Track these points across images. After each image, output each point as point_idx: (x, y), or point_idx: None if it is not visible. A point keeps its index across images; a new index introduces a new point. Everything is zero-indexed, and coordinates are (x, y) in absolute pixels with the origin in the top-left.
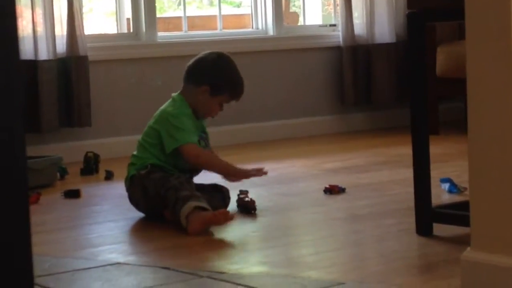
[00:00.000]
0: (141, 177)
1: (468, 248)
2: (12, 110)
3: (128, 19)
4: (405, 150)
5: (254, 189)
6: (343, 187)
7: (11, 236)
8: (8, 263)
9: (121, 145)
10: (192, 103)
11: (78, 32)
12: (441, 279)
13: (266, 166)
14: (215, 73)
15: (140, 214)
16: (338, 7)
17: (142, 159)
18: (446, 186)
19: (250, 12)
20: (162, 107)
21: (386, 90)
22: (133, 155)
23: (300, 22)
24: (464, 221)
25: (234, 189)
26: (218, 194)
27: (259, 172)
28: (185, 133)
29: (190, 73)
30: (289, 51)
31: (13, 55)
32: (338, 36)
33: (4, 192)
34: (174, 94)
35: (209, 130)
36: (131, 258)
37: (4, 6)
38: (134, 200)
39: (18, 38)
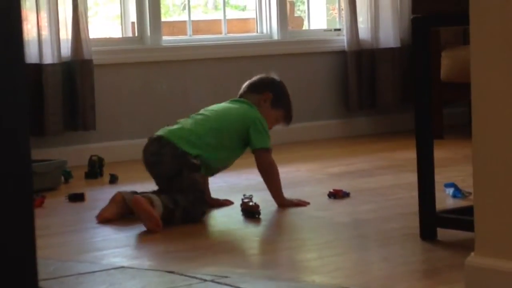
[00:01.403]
0: (188, 163)
1: (472, 253)
2: (18, 113)
3: (133, 23)
4: (410, 155)
5: (258, 193)
6: (347, 191)
7: (16, 239)
8: (12, 266)
9: (125, 149)
10: None
11: (83, 36)
12: (445, 284)
13: None
14: (276, 86)
15: None
16: (343, 12)
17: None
18: (450, 190)
19: (254, 16)
20: (229, 105)
21: (390, 94)
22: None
23: (305, 26)
24: (468, 226)
25: (238, 193)
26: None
27: (304, 203)
28: (269, 139)
29: (252, 86)
30: (293, 56)
31: (18, 59)
32: (342, 40)
33: (9, 195)
34: (239, 99)
35: None
36: (135, 262)
37: (9, 10)
38: (157, 163)
39: (23, 41)
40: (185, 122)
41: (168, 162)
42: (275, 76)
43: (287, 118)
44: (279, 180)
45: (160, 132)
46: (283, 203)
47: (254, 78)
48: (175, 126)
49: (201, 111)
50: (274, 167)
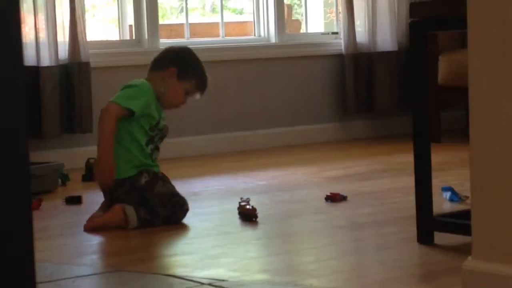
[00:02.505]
0: (141, 188)
1: (469, 257)
2: (16, 115)
3: (130, 26)
4: (407, 158)
5: (256, 197)
6: (344, 195)
7: (14, 242)
8: (10, 269)
9: None
10: (158, 90)
11: (80, 39)
12: None
13: (268, 173)
14: (182, 58)
15: None
16: (340, 15)
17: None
18: (447, 194)
19: (252, 20)
20: None
21: (387, 98)
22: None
23: (303, 29)
24: (465, 230)
25: (235, 197)
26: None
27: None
28: (124, 95)
29: (156, 61)
30: (291, 59)
31: (16, 61)
32: (340, 44)
33: (7, 198)
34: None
35: (210, 137)
36: (132, 265)
37: (8, 13)
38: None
39: (21, 44)
40: None
41: (130, 198)
42: (178, 46)
43: (200, 86)
44: (106, 142)
45: None
46: (96, 168)
47: (160, 53)
48: None
49: None
50: (103, 123)
